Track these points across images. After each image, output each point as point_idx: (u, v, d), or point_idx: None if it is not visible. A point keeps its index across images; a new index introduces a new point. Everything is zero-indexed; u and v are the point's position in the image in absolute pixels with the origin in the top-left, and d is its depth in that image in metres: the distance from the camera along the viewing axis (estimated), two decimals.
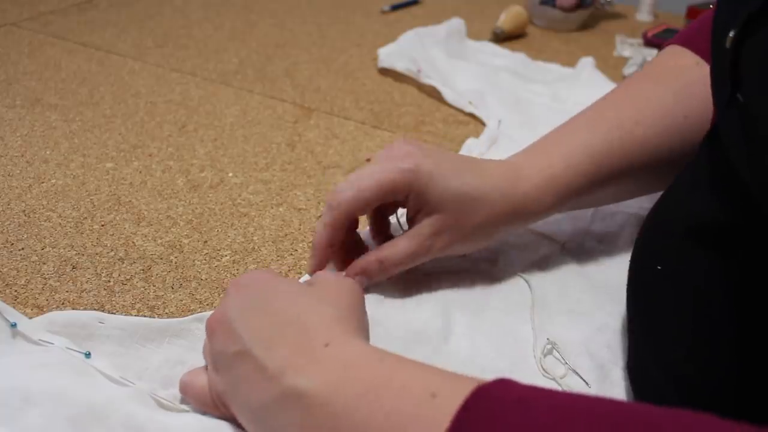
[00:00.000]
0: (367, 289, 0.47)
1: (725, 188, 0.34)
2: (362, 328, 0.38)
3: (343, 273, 0.46)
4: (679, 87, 0.49)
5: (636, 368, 0.41)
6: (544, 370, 0.42)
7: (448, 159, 0.46)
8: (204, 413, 0.38)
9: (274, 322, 0.35)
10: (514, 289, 0.50)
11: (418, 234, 0.45)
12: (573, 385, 0.41)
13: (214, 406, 0.37)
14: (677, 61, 0.51)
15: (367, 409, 0.29)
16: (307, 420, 0.30)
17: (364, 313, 0.40)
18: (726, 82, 0.31)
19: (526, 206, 0.46)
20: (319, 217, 0.51)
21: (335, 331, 0.34)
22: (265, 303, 0.36)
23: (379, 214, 0.49)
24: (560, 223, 0.56)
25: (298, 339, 0.34)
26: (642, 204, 0.58)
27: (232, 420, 0.37)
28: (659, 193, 0.48)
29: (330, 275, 0.42)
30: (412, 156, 0.45)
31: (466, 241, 0.47)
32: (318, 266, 0.46)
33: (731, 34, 0.30)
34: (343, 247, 0.47)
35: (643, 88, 0.51)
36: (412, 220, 0.46)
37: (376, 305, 0.46)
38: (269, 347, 0.34)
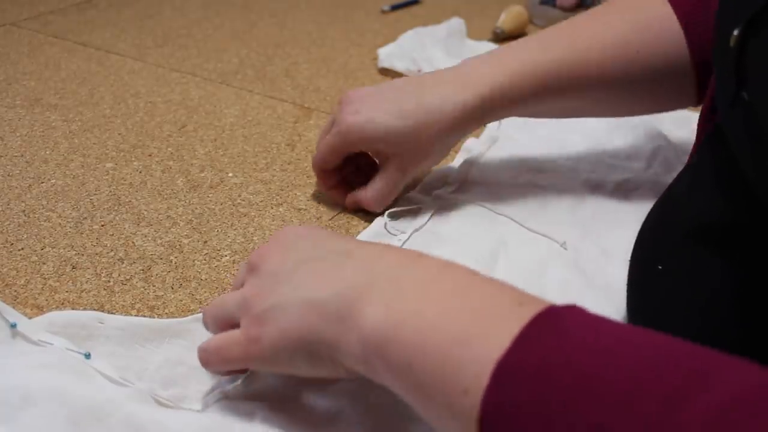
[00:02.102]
0: None
1: (728, 187, 0.34)
2: None
3: None
4: (639, 19, 0.52)
5: None
6: None
7: (393, 95, 0.55)
8: (203, 412, 0.38)
9: (340, 245, 0.37)
10: (515, 280, 0.50)
11: (385, 174, 0.55)
12: None
13: (238, 349, 0.36)
14: None
15: (459, 300, 0.30)
16: (395, 298, 0.31)
17: None
18: (730, 80, 0.31)
19: (474, 114, 0.53)
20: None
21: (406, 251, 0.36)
22: (323, 236, 0.38)
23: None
24: (560, 223, 0.56)
25: (369, 255, 0.35)
26: (642, 204, 0.58)
27: (234, 417, 0.37)
28: (658, 193, 0.48)
29: None
30: (354, 114, 0.54)
31: (428, 157, 0.56)
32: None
33: (735, 32, 0.30)
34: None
35: (603, 16, 0.55)
36: (379, 162, 0.57)
37: None
38: (343, 255, 0.35)
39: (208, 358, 0.38)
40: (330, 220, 0.58)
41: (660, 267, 0.38)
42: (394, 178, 0.55)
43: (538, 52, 0.53)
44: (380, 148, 0.55)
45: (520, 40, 0.56)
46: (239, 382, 0.41)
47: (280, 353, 0.35)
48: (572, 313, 0.28)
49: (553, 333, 0.27)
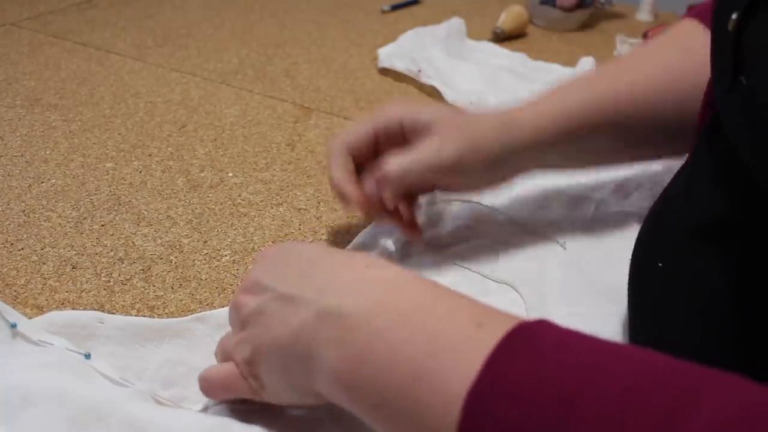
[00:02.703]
0: None
1: (727, 180, 0.34)
2: None
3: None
4: (686, 47, 0.50)
5: None
6: None
7: (437, 105, 0.52)
8: (203, 412, 0.38)
9: (305, 267, 0.35)
10: (512, 289, 0.50)
11: (426, 143, 0.47)
12: None
13: (244, 385, 0.36)
14: (685, 27, 0.52)
15: (408, 330, 0.28)
16: (343, 338, 0.30)
17: None
18: (728, 65, 0.30)
19: (523, 131, 0.48)
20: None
21: (374, 258, 0.34)
22: (293, 257, 0.36)
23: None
24: (560, 223, 0.56)
25: (335, 268, 0.33)
26: (642, 204, 0.58)
27: (233, 417, 0.37)
28: (658, 193, 0.48)
29: None
30: (399, 102, 0.50)
31: (473, 152, 0.47)
32: (352, 190, 0.47)
33: (734, 16, 0.30)
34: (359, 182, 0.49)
35: (650, 46, 0.53)
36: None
37: None
38: (304, 282, 0.33)
39: (209, 388, 0.38)
40: (330, 220, 0.58)
41: (660, 264, 0.38)
42: (433, 146, 0.46)
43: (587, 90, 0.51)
44: (420, 119, 0.47)
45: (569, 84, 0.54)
46: None
47: (279, 392, 0.35)
48: (543, 330, 0.26)
49: (527, 352, 0.25)
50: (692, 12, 0.53)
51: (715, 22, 0.33)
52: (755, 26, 0.28)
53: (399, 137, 0.48)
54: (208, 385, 0.38)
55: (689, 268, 0.36)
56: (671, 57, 0.50)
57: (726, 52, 0.31)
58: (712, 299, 0.34)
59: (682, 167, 0.41)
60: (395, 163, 0.46)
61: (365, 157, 0.49)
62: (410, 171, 0.46)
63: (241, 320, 0.36)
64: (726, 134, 0.32)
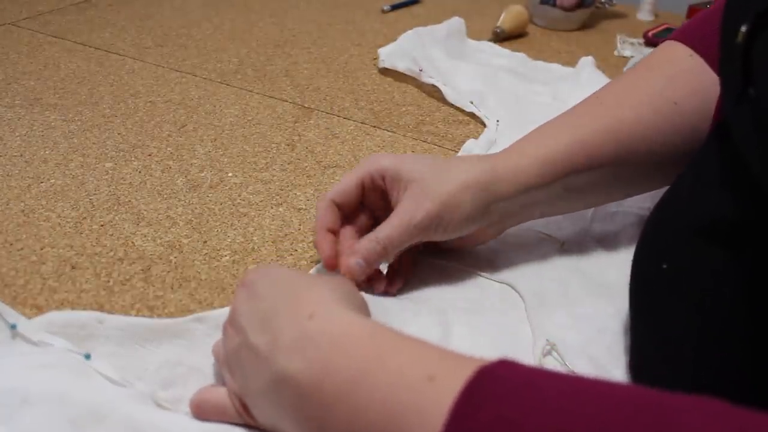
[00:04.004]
0: (366, 295, 0.47)
1: (735, 185, 0.34)
2: (357, 305, 0.37)
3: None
4: (671, 74, 0.49)
5: (639, 368, 0.41)
6: None
7: (425, 156, 0.50)
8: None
9: (269, 305, 0.35)
10: (512, 289, 0.50)
11: (402, 208, 0.46)
12: None
13: (236, 413, 0.36)
14: (670, 53, 0.51)
15: (361, 395, 0.28)
16: (300, 405, 0.30)
17: (364, 301, 0.40)
18: (737, 77, 0.30)
19: (504, 178, 0.47)
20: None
21: (323, 300, 0.34)
22: (265, 289, 0.37)
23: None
24: (560, 223, 0.56)
25: (285, 316, 0.34)
26: (642, 204, 0.58)
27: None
28: (659, 193, 0.48)
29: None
30: (386, 154, 0.49)
31: (448, 210, 0.46)
32: (325, 249, 0.47)
33: (743, 29, 0.30)
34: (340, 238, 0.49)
35: (634, 77, 0.51)
36: (397, 203, 0.47)
37: (374, 313, 0.46)
38: (262, 330, 0.34)
39: (201, 414, 0.38)
40: None
41: (664, 266, 0.38)
42: (408, 212, 0.45)
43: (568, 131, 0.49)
44: (401, 177, 0.47)
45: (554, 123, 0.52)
46: None
47: (273, 423, 0.35)
48: (503, 374, 0.25)
49: (489, 403, 0.24)
50: (676, 34, 0.52)
51: (724, 34, 0.33)
52: (764, 38, 0.28)
53: (381, 190, 0.48)
54: (200, 412, 0.38)
55: (695, 270, 0.35)
56: (656, 85, 0.49)
57: (735, 64, 0.31)
58: (717, 301, 0.34)
59: (687, 169, 0.41)
60: (378, 240, 0.45)
61: (352, 207, 0.49)
62: (392, 245, 0.45)
63: (227, 351, 0.37)
64: (732, 142, 0.32)
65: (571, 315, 0.47)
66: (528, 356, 0.44)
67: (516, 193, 0.47)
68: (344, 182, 0.48)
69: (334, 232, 0.48)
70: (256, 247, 0.54)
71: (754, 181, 0.30)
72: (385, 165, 0.48)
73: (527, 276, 0.51)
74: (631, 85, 0.51)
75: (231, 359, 0.37)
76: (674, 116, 0.47)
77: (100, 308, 0.46)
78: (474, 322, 0.46)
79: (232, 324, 0.37)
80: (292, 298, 0.35)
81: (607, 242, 0.55)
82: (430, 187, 0.46)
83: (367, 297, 0.47)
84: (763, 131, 0.28)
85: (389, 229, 0.45)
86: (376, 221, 0.48)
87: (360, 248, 0.45)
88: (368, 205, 0.50)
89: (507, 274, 0.51)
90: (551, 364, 0.43)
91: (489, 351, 0.44)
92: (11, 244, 0.52)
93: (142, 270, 0.50)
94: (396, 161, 0.48)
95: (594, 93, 0.52)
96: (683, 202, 0.39)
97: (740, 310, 0.33)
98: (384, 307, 0.46)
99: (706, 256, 0.35)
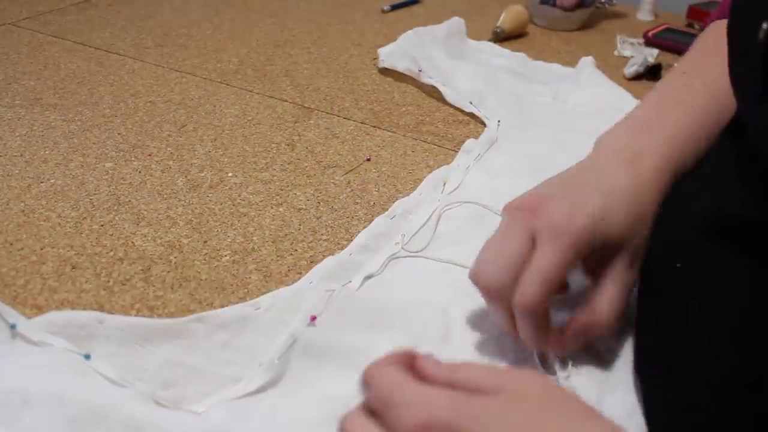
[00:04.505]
0: (367, 295, 0.47)
1: (751, 183, 0.33)
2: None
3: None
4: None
5: (644, 368, 0.40)
6: (545, 370, 0.42)
7: (587, 195, 0.40)
8: (203, 414, 0.38)
9: None
10: None
11: (618, 276, 0.39)
12: (576, 385, 0.41)
13: None
14: (719, 35, 0.48)
15: None
16: None
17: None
18: (756, 75, 0.30)
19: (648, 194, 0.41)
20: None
21: None
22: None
23: None
24: None
25: None
26: None
27: (233, 419, 0.37)
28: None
29: (512, 374, 0.32)
30: (572, 218, 0.38)
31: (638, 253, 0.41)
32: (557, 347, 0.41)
33: (765, 25, 0.29)
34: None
35: (710, 61, 0.47)
36: (594, 271, 0.41)
37: (376, 317, 0.46)
38: None
39: None
40: (330, 220, 0.58)
41: (678, 265, 0.37)
42: (624, 277, 0.40)
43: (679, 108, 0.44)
44: (613, 245, 0.39)
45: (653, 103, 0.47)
46: (239, 384, 0.40)
47: None
48: None
49: None
50: (719, 14, 0.51)
51: (737, 33, 0.32)
52: None
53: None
54: None
55: (710, 268, 0.35)
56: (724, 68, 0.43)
57: (754, 63, 0.29)
58: (733, 301, 0.33)
59: (698, 168, 0.40)
60: (606, 316, 0.39)
61: None
62: (618, 315, 0.40)
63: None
64: (750, 140, 0.32)
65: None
66: (531, 355, 0.43)
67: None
68: (551, 270, 0.38)
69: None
70: (256, 247, 0.54)
71: None
72: (591, 238, 0.38)
73: None
74: (710, 68, 0.46)
75: None
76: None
77: (100, 308, 0.46)
78: (476, 320, 0.46)
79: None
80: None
81: None
82: (637, 246, 0.40)
83: (365, 298, 0.47)
84: None
85: (613, 301, 0.39)
86: None
87: (589, 325, 0.40)
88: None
89: None
90: (555, 363, 0.43)
91: (490, 350, 0.44)
92: (11, 244, 0.52)
93: (142, 270, 0.50)
94: (601, 228, 0.39)
95: (672, 79, 0.48)
96: (696, 202, 0.38)
97: (756, 309, 0.32)
98: (386, 310, 0.46)
99: (721, 255, 0.34)
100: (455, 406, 0.27)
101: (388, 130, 0.74)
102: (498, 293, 0.39)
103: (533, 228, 0.39)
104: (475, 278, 0.40)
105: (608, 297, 0.39)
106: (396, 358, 0.32)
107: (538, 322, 0.38)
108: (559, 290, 0.44)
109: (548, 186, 0.43)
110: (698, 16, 1.10)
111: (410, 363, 0.32)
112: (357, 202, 0.60)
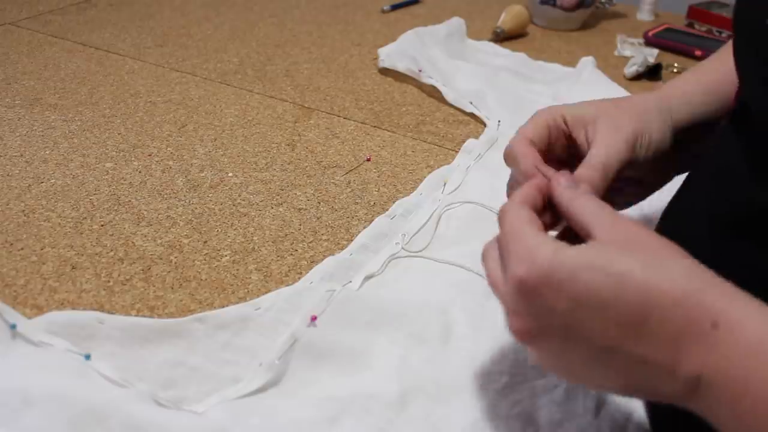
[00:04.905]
0: (367, 295, 0.47)
1: (759, 172, 0.33)
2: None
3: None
4: None
5: None
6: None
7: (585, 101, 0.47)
8: (203, 414, 0.38)
9: (620, 315, 0.29)
10: None
11: (604, 132, 0.43)
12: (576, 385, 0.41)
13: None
14: None
15: None
16: (711, 404, 0.28)
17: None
18: (761, 60, 0.30)
19: (671, 109, 0.45)
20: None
21: (709, 297, 0.28)
22: (591, 299, 0.29)
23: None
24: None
25: (672, 329, 0.28)
26: (642, 203, 0.58)
27: (233, 419, 0.37)
28: (660, 192, 0.47)
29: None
30: (552, 105, 0.46)
31: (646, 125, 0.43)
32: (529, 158, 0.42)
33: None
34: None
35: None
36: (587, 140, 0.44)
37: (373, 317, 0.46)
38: (638, 338, 0.28)
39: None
40: (330, 220, 0.58)
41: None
42: (610, 133, 0.43)
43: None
44: (585, 114, 0.44)
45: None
46: (239, 384, 0.41)
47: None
48: None
49: None
50: None
51: (743, 21, 0.32)
52: None
53: (565, 135, 0.45)
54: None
55: (722, 260, 0.35)
56: None
57: (761, 47, 0.30)
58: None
59: (705, 160, 0.40)
60: (597, 162, 0.42)
61: (542, 148, 0.44)
62: (611, 165, 0.42)
63: (541, 320, 0.31)
64: (757, 125, 0.31)
65: None
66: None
67: (686, 117, 0.46)
68: (531, 125, 0.44)
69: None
70: (256, 247, 0.54)
71: None
72: (563, 110, 0.44)
73: None
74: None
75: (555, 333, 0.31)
76: None
77: (101, 308, 0.46)
78: (476, 320, 0.46)
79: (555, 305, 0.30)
80: (656, 300, 0.28)
81: None
82: (619, 114, 0.43)
83: (365, 299, 0.47)
84: None
85: (602, 151, 0.42)
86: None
87: (581, 176, 0.41)
88: (553, 152, 0.45)
89: None
90: None
91: (490, 350, 0.44)
92: (11, 244, 0.52)
93: (142, 270, 0.50)
94: (571, 107, 0.45)
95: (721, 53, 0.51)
96: (704, 193, 0.38)
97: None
98: (386, 310, 0.46)
99: (732, 247, 0.34)
100: (551, 263, 0.30)
101: (388, 130, 0.74)
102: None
103: None
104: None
105: (595, 149, 0.42)
106: (524, 195, 0.35)
107: (522, 154, 0.42)
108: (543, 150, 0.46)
109: None
110: (698, 16, 1.10)
111: (542, 192, 0.36)
112: (357, 202, 0.60)
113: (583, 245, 0.30)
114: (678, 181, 0.45)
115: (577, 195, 0.34)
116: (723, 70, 0.47)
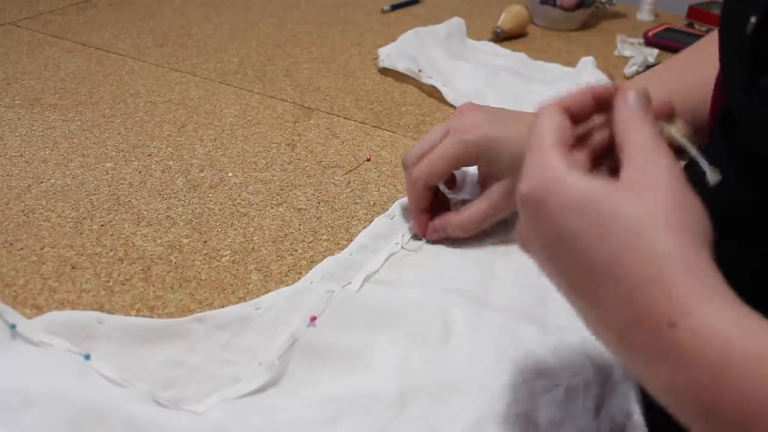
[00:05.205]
0: (367, 296, 0.47)
1: (744, 175, 0.34)
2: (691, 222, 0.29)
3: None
4: None
5: None
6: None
7: (514, 122, 0.51)
8: (203, 414, 0.38)
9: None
10: (514, 284, 0.50)
11: (489, 197, 0.51)
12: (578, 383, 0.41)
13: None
14: None
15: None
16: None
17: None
18: (745, 67, 0.30)
19: None
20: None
21: (679, 289, 0.27)
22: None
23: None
24: None
25: (635, 302, 0.28)
26: None
27: (233, 419, 0.37)
28: None
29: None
30: (478, 127, 0.51)
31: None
32: (422, 228, 0.53)
33: (753, 20, 0.29)
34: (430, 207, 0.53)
35: (698, 52, 0.53)
36: (482, 183, 0.53)
37: (373, 317, 0.46)
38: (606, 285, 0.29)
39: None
40: (330, 220, 0.58)
41: None
42: (496, 202, 0.51)
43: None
44: (502, 166, 0.50)
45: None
46: (239, 384, 0.40)
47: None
48: None
49: None
50: None
51: (729, 24, 0.33)
52: None
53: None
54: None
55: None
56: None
57: (743, 55, 0.30)
58: (734, 289, 0.33)
59: (688, 166, 0.41)
60: (467, 221, 0.52)
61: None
62: (477, 227, 0.52)
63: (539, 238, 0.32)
64: (741, 131, 0.32)
65: (572, 313, 0.47)
66: (530, 355, 0.43)
67: None
68: (439, 168, 0.51)
69: (427, 211, 0.53)
70: (256, 247, 0.54)
71: (764, 170, 0.30)
72: (477, 154, 0.50)
73: (526, 275, 0.50)
74: (701, 54, 0.52)
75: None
76: None
77: (100, 308, 0.46)
78: (475, 320, 0.46)
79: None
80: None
81: None
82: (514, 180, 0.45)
83: (365, 299, 0.47)
84: None
85: (477, 214, 0.51)
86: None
87: (449, 222, 0.52)
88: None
89: (506, 274, 0.51)
90: None
91: (490, 351, 0.44)
92: (11, 244, 0.52)
93: (142, 270, 0.50)
94: (489, 148, 0.50)
95: (668, 60, 0.56)
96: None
97: (758, 297, 0.32)
98: (385, 310, 0.46)
99: (720, 248, 0.35)
100: (548, 184, 0.30)
101: (388, 130, 0.73)
102: (406, 168, 0.52)
103: (450, 126, 0.52)
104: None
105: (473, 208, 0.52)
106: (569, 100, 0.35)
107: (417, 194, 0.52)
108: (449, 183, 0.56)
109: (493, 108, 0.54)
110: (698, 16, 1.10)
111: (596, 98, 0.34)
112: (357, 202, 0.60)
113: (596, 181, 0.29)
114: None
115: (636, 122, 0.31)
116: (685, 77, 0.51)
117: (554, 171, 0.30)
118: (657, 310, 0.27)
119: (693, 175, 0.40)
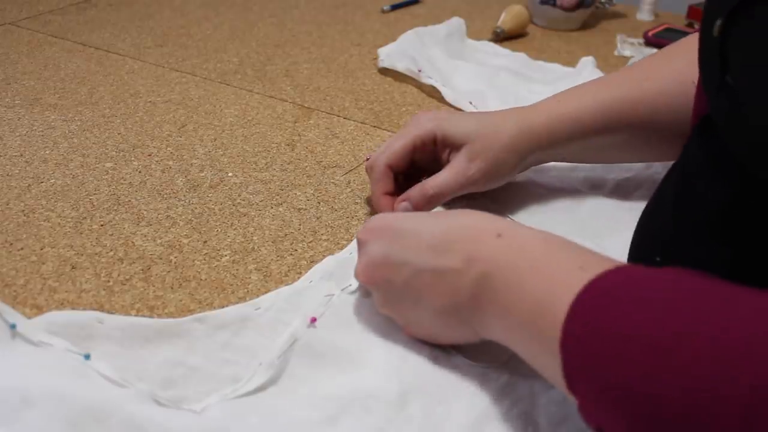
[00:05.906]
0: (366, 296, 0.47)
1: (723, 175, 0.35)
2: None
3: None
4: (694, 55, 0.51)
5: None
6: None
7: (463, 113, 0.61)
8: (202, 413, 0.38)
9: (430, 240, 0.39)
10: None
11: (455, 164, 0.54)
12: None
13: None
14: (693, 38, 0.54)
15: (533, 278, 0.35)
16: (491, 296, 0.36)
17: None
18: (715, 67, 0.32)
19: (539, 136, 0.55)
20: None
21: (500, 222, 0.39)
22: (410, 231, 0.41)
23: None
24: (558, 222, 0.56)
25: (466, 240, 0.38)
26: (641, 203, 0.58)
27: (232, 418, 0.37)
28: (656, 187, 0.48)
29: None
30: (432, 115, 0.56)
31: (496, 167, 0.54)
32: (388, 210, 0.55)
33: (718, 22, 0.32)
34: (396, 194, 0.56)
35: (663, 55, 0.57)
36: (448, 161, 0.55)
37: (371, 317, 0.46)
38: (440, 255, 0.39)
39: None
40: (330, 220, 0.58)
41: (658, 259, 0.38)
42: (458, 170, 0.54)
43: (600, 89, 0.56)
44: (457, 137, 0.54)
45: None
46: (238, 384, 0.40)
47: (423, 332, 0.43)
48: (632, 272, 0.31)
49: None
50: None
51: (703, 28, 0.35)
52: (737, 32, 0.31)
53: (432, 149, 0.55)
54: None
55: (687, 261, 0.36)
56: (680, 65, 0.53)
57: (713, 55, 0.33)
58: None
59: (674, 166, 0.42)
60: (430, 188, 0.54)
61: (404, 168, 0.55)
62: (442, 194, 0.54)
63: (383, 296, 0.43)
64: (717, 131, 0.33)
65: None
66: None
67: (549, 149, 0.56)
68: (396, 146, 0.54)
69: (391, 194, 0.55)
70: (256, 247, 0.54)
71: (741, 169, 0.32)
72: (433, 129, 0.54)
73: None
74: (658, 61, 0.56)
75: (391, 297, 0.42)
76: (690, 93, 0.49)
77: (100, 308, 0.46)
78: None
79: (379, 268, 0.42)
80: (457, 229, 0.40)
81: (606, 242, 0.55)
82: (480, 149, 0.53)
83: (364, 300, 0.47)
84: (741, 116, 0.30)
85: (441, 180, 0.53)
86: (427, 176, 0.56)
87: (410, 194, 0.54)
88: (418, 163, 0.56)
89: None
90: None
91: (488, 351, 0.44)
92: (11, 244, 0.52)
93: (142, 270, 0.50)
94: (444, 125, 0.54)
95: (625, 66, 0.59)
96: (673, 195, 0.40)
97: None
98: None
99: (698, 247, 0.36)
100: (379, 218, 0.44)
101: (388, 130, 0.74)
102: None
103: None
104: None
105: (436, 177, 0.54)
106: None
107: (377, 176, 0.54)
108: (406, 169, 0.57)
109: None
110: (698, 16, 1.10)
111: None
112: (357, 202, 0.60)
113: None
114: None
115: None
116: (590, 103, 0.55)
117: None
118: (485, 229, 0.39)
119: (668, 184, 0.42)
